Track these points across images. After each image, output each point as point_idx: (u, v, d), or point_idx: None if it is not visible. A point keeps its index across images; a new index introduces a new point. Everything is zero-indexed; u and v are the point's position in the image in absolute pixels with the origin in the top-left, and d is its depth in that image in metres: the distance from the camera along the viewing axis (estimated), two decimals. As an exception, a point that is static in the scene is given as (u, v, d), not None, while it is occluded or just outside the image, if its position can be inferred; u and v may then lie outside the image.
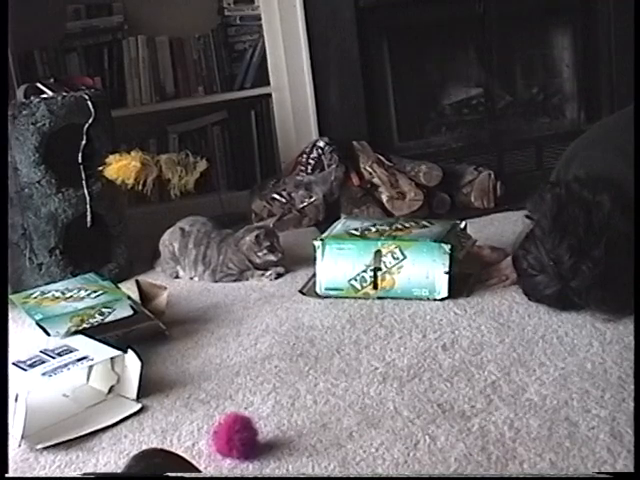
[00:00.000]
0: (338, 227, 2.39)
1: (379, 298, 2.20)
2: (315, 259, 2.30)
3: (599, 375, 1.64)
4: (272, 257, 2.51)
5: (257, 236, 2.50)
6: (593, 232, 1.83)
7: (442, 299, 2.14)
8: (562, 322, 1.91)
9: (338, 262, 2.26)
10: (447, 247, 2.16)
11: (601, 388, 1.58)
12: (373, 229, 2.31)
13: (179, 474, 1.28)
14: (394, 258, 2.20)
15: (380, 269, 2.20)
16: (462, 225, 2.37)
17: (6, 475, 1.48)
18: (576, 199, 1.88)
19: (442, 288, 2.15)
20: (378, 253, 2.22)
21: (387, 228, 2.31)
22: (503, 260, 2.25)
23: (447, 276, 2.15)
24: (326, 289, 2.26)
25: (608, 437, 1.41)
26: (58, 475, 1.51)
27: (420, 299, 2.16)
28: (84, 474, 1.50)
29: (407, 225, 2.33)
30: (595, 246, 1.81)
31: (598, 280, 1.82)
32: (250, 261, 2.51)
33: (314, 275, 2.32)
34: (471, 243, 2.35)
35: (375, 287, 2.21)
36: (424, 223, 2.35)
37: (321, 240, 2.30)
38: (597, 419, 1.47)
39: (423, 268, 2.17)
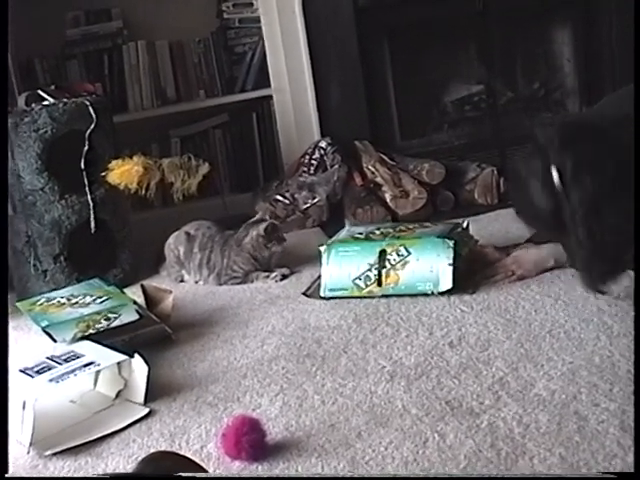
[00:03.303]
0: (343, 233, 2.40)
1: (384, 296, 2.19)
2: (320, 263, 2.30)
3: (607, 369, 1.63)
4: (279, 248, 2.53)
5: (266, 229, 2.50)
6: (602, 149, 1.62)
7: (447, 292, 2.14)
8: (569, 316, 1.91)
9: (343, 265, 2.26)
10: (451, 242, 2.17)
11: (610, 382, 1.58)
12: (377, 232, 2.33)
13: (190, 474, 1.28)
14: (399, 255, 2.20)
15: (385, 267, 2.21)
16: (465, 224, 2.37)
17: (6, 475, 1.48)
18: (588, 125, 1.70)
19: (446, 280, 2.14)
20: (383, 253, 2.22)
21: (391, 230, 2.33)
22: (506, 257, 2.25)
23: (451, 268, 2.15)
24: (330, 290, 2.26)
25: (618, 430, 1.40)
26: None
27: (425, 294, 2.15)
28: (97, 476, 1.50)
29: (410, 226, 2.35)
30: (602, 163, 1.60)
31: (595, 204, 1.58)
32: (255, 258, 2.51)
33: (319, 277, 2.32)
34: (473, 242, 2.35)
35: (379, 284, 2.21)
36: (427, 224, 2.38)
37: (327, 245, 2.31)
38: (606, 413, 1.46)
39: (427, 263, 2.17)
